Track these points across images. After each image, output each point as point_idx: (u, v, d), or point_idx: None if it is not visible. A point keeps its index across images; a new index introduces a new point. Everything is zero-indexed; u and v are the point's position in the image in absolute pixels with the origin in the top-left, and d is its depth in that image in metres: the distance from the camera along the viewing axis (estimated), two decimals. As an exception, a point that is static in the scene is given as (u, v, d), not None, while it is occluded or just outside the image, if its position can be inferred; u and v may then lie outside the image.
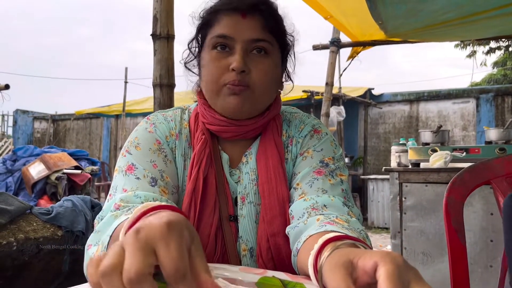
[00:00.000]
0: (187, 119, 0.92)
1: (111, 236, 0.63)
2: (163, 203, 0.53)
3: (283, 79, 0.95)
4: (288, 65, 0.95)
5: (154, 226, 0.39)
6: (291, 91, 0.97)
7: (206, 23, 0.87)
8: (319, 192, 0.81)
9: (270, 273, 0.61)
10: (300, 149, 0.89)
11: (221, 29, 0.83)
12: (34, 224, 2.02)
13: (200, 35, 0.89)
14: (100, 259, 0.38)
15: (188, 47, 0.92)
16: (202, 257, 0.42)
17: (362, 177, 7.28)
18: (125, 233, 0.50)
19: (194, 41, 0.91)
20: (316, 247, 0.56)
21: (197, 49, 0.91)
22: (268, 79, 0.84)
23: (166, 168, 0.83)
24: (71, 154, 4.90)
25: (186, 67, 0.94)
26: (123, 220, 0.63)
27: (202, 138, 0.87)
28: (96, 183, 6.00)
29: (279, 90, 0.94)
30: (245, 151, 0.90)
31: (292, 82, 0.97)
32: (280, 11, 0.90)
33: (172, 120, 0.90)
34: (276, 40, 0.86)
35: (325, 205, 0.78)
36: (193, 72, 0.93)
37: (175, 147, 0.88)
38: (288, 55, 0.94)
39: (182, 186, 0.86)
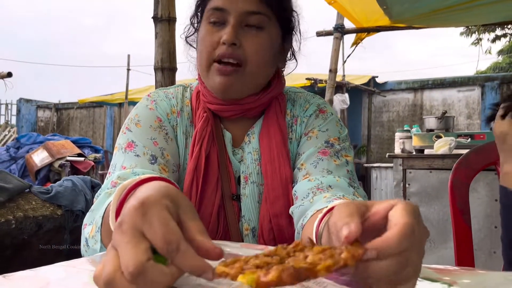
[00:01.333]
0: (189, 97, 0.90)
1: (103, 217, 0.62)
2: (143, 176, 0.51)
3: (287, 58, 0.92)
4: (293, 44, 0.92)
5: (131, 212, 0.38)
6: (294, 69, 0.94)
7: None
8: (324, 173, 0.79)
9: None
10: (305, 129, 0.88)
11: (216, 1, 0.81)
12: (33, 203, 2.00)
13: (199, 9, 0.87)
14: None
15: (190, 21, 0.90)
16: (194, 218, 0.40)
17: (366, 165, 7.26)
18: (116, 219, 0.49)
19: (195, 16, 0.89)
20: (321, 214, 0.55)
21: (196, 24, 0.89)
22: (263, 54, 0.81)
23: (167, 146, 0.82)
24: (74, 142, 4.90)
25: (187, 42, 0.92)
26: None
27: (203, 116, 0.85)
28: (99, 172, 6.01)
29: (282, 69, 0.92)
30: (248, 130, 0.88)
31: (296, 61, 0.94)
32: None
33: (173, 98, 0.89)
34: (275, 15, 0.82)
35: (330, 186, 0.76)
36: (193, 47, 0.91)
37: (177, 124, 0.86)
38: (293, 33, 0.90)
39: (184, 164, 0.85)
